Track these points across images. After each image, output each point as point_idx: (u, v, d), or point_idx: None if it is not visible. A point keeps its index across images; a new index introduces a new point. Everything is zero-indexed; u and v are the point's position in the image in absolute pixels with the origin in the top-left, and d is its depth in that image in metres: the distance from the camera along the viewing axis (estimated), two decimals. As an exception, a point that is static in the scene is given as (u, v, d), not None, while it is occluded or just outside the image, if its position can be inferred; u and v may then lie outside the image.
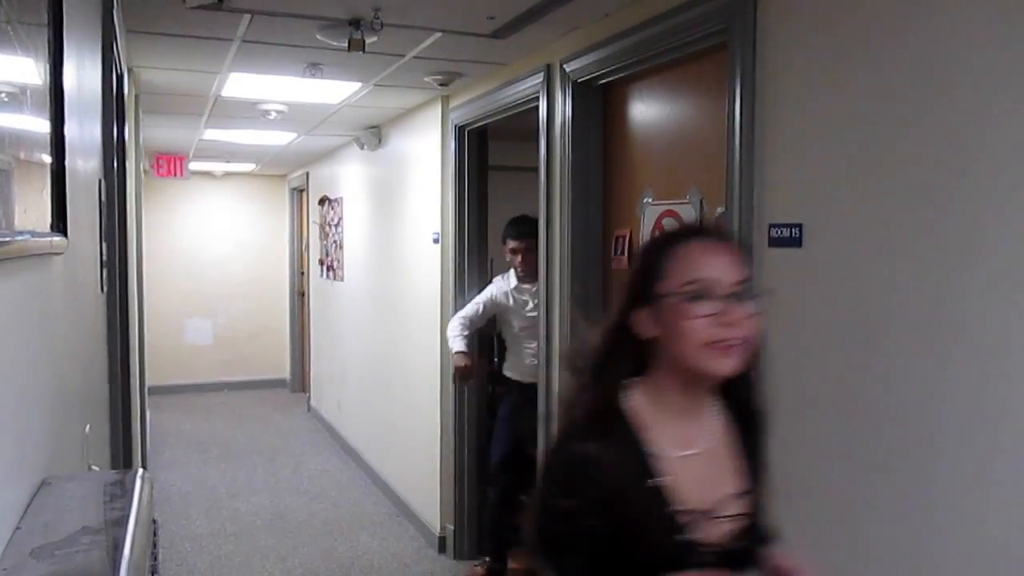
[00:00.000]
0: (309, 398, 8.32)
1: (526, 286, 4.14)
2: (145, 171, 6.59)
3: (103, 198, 2.34)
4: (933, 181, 1.75)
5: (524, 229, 4.08)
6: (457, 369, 4.19)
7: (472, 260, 4.43)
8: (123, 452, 3.00)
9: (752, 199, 2.25)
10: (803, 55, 2.11)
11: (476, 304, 4.28)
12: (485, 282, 4.57)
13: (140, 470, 1.31)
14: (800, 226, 2.09)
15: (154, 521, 1.24)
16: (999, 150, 1.61)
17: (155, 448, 6.50)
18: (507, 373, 4.33)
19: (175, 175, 7.49)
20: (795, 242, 2.10)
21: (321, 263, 7.75)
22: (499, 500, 4.20)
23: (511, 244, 4.19)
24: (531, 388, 3.84)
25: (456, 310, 4.41)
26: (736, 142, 2.29)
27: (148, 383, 5.44)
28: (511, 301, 4.20)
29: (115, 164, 2.75)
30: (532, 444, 3.75)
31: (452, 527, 4.56)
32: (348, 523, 5.09)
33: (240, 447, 7.04)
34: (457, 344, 4.19)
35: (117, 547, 1.00)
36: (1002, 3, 1.61)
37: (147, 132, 5.63)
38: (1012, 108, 1.59)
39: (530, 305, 4.10)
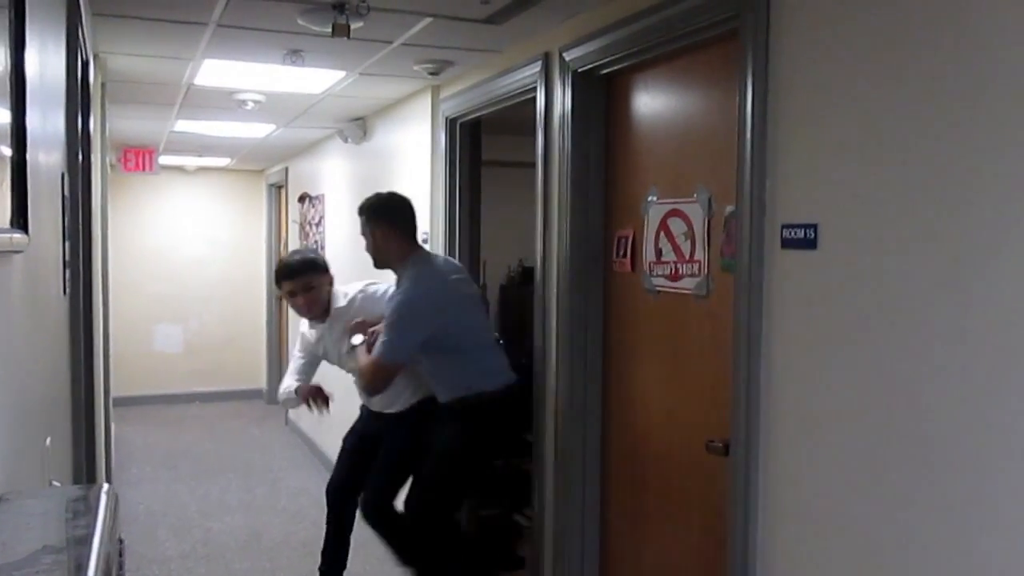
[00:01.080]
0: (287, 411, 8.31)
1: (323, 325, 3.94)
2: (111, 165, 6.58)
3: (66, 193, 2.34)
4: (959, 180, 1.75)
5: (284, 272, 3.91)
6: (308, 399, 3.90)
7: (463, 262, 4.42)
8: (86, 467, 2.99)
9: (764, 198, 2.26)
10: (819, 44, 2.12)
11: (297, 358, 4.11)
12: (476, 286, 4.58)
13: (105, 485, 1.31)
14: (815, 227, 2.10)
15: (120, 540, 1.24)
16: (1028, 146, 1.62)
17: (120, 463, 6.49)
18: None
19: (144, 170, 7.48)
20: (810, 244, 2.11)
21: (301, 265, 7.73)
22: (328, 530, 4.13)
23: (284, 290, 3.94)
24: (393, 417, 3.84)
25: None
26: (747, 137, 2.30)
27: (113, 393, 5.42)
28: (321, 342, 3.98)
29: (79, 157, 2.75)
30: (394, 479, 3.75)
31: (441, 549, 4.55)
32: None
33: (213, 463, 7.02)
34: (289, 384, 3.97)
35: (80, 567, 1.00)
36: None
37: (114, 123, 5.62)
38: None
39: (334, 340, 3.91)
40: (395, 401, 3.87)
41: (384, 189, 5.46)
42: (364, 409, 4.10)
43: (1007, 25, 1.66)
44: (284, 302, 4.32)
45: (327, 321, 3.91)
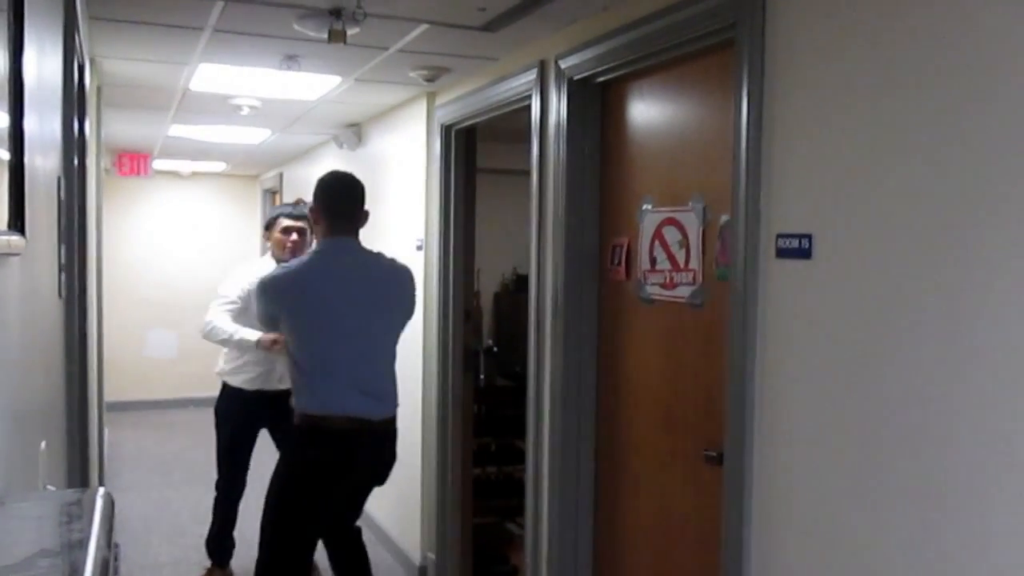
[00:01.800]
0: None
1: None
2: (106, 170, 6.58)
3: (62, 197, 2.34)
4: (955, 190, 1.77)
5: (294, 211, 4.45)
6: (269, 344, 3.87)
7: (457, 269, 4.43)
8: (80, 473, 2.98)
9: (759, 207, 2.27)
10: (815, 56, 2.13)
11: (229, 304, 4.29)
12: (471, 293, 4.59)
13: (101, 489, 1.31)
14: (810, 237, 2.11)
15: (116, 544, 1.24)
16: None
17: (113, 469, 6.46)
18: (238, 383, 4.44)
19: (138, 174, 7.49)
20: (804, 253, 2.12)
21: (295, 271, 7.72)
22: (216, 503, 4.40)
23: (290, 223, 4.38)
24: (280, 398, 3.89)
25: (441, 323, 4.41)
26: (742, 146, 2.32)
27: (106, 398, 5.42)
28: None
29: (75, 161, 2.75)
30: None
31: (434, 556, 4.55)
32: (322, 552, 5.06)
33: (206, 469, 6.94)
34: (247, 332, 4.09)
35: (76, 571, 1.00)
36: (1025, 2, 1.64)
37: (109, 127, 5.63)
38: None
39: None
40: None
41: (379, 195, 5.49)
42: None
43: (1002, 39, 1.68)
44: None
45: None
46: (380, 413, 3.16)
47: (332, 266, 3.18)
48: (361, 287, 3.18)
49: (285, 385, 3.91)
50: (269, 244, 4.53)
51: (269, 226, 4.53)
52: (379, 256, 3.34)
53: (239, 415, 4.52)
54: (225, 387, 4.55)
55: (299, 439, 3.17)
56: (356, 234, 3.27)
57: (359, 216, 3.28)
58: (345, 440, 3.08)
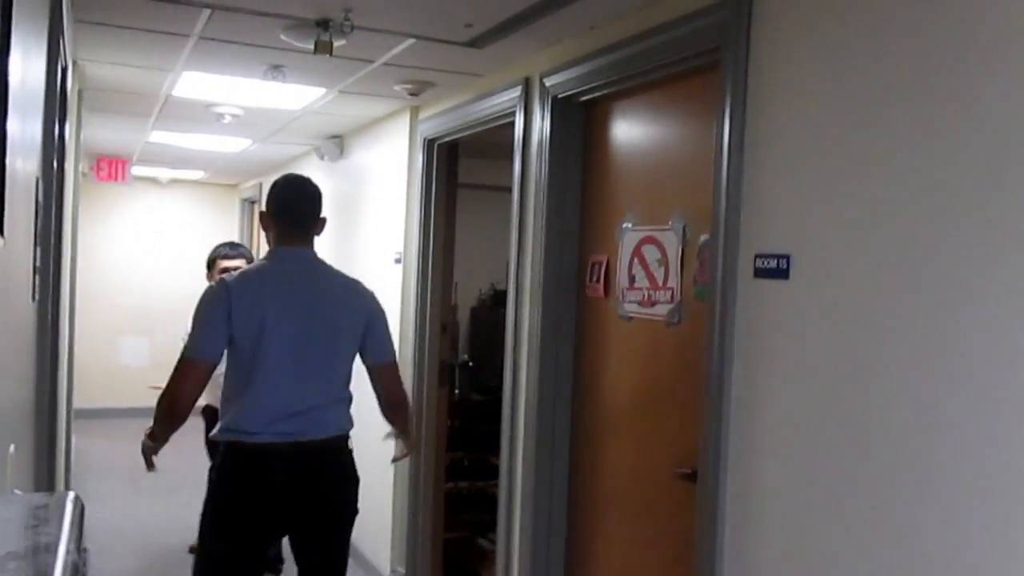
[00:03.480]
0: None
1: None
2: (84, 174, 6.52)
3: (40, 199, 2.32)
4: (929, 214, 1.79)
5: (242, 249, 4.60)
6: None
7: (436, 283, 4.43)
8: (47, 479, 2.94)
9: (738, 227, 2.29)
10: (797, 80, 2.16)
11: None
12: (448, 307, 4.58)
13: (71, 493, 1.29)
14: (788, 257, 2.13)
15: (85, 549, 1.22)
16: (1000, 179, 1.66)
17: (80, 476, 6.37)
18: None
19: (116, 179, 7.43)
20: (782, 274, 2.14)
21: (272, 281, 7.69)
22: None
23: (227, 264, 4.39)
24: None
25: (418, 336, 4.40)
26: (723, 167, 2.34)
27: (75, 405, 5.35)
28: None
29: (54, 164, 2.73)
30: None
31: (404, 570, 4.52)
32: (290, 563, 5.01)
33: (175, 479, 6.87)
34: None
35: (44, 575, 0.98)
36: (1006, 41, 1.67)
37: (89, 131, 5.58)
38: (1015, 138, 1.64)
39: None
40: None
41: (359, 208, 5.48)
42: None
43: (977, 67, 1.71)
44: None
45: None
46: (309, 435, 2.78)
47: (274, 277, 2.84)
48: (303, 303, 2.83)
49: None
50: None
51: (210, 266, 4.60)
52: (335, 275, 2.99)
53: None
54: (208, 409, 4.45)
55: (219, 461, 2.85)
56: (309, 243, 2.94)
57: (312, 224, 2.94)
58: (265, 462, 2.74)
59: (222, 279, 2.87)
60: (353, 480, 2.94)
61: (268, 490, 2.75)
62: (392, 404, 3.06)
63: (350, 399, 2.93)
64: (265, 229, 2.97)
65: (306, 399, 2.79)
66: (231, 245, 4.73)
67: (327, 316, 2.87)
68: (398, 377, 3.10)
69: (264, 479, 2.75)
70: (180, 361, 2.80)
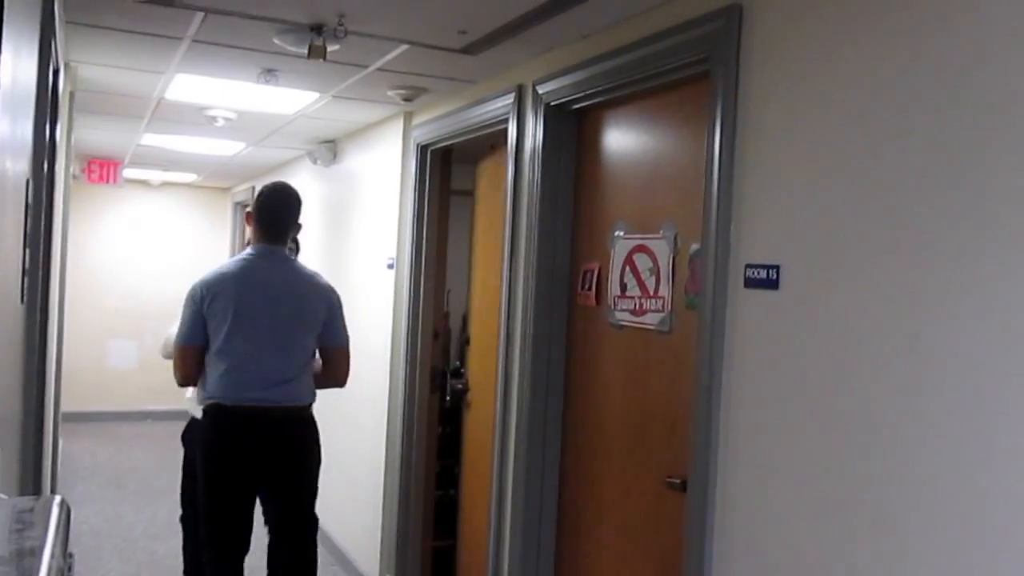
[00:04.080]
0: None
1: None
2: (75, 176, 6.51)
3: (30, 201, 2.32)
4: (920, 225, 1.80)
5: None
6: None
7: (428, 290, 4.43)
8: (32, 483, 2.93)
9: (728, 237, 2.30)
10: (787, 90, 2.17)
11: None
12: (441, 313, 4.58)
13: (57, 497, 1.29)
14: (778, 267, 2.14)
15: (71, 554, 1.22)
16: (990, 190, 1.67)
17: (66, 480, 6.35)
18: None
19: (108, 182, 7.42)
20: (772, 284, 2.15)
21: (263, 285, 7.68)
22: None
23: None
24: None
25: (409, 342, 4.39)
26: (714, 177, 2.35)
27: (63, 408, 5.33)
28: None
29: (44, 166, 2.72)
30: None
31: (392, 579, 4.51)
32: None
33: (161, 483, 6.89)
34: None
35: (28, 579, 0.98)
36: (990, 53, 1.68)
37: (80, 133, 5.58)
38: (1007, 149, 1.65)
39: None
40: None
41: (352, 212, 5.48)
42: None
43: (968, 82, 1.72)
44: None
45: None
46: (279, 401, 3.38)
47: (250, 270, 3.45)
48: (273, 294, 3.41)
49: None
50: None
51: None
52: (302, 271, 3.59)
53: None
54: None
55: (202, 425, 3.48)
56: (283, 243, 3.55)
57: (287, 228, 3.56)
58: (242, 423, 3.35)
59: (201, 279, 3.44)
60: (313, 438, 3.56)
61: (246, 444, 3.36)
62: (329, 375, 3.62)
63: (310, 375, 3.51)
64: (247, 224, 3.59)
65: (276, 372, 3.37)
66: None
67: (293, 303, 3.45)
68: (347, 360, 3.64)
69: (242, 435, 3.36)
70: (176, 348, 3.48)
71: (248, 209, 3.66)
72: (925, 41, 1.82)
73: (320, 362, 3.60)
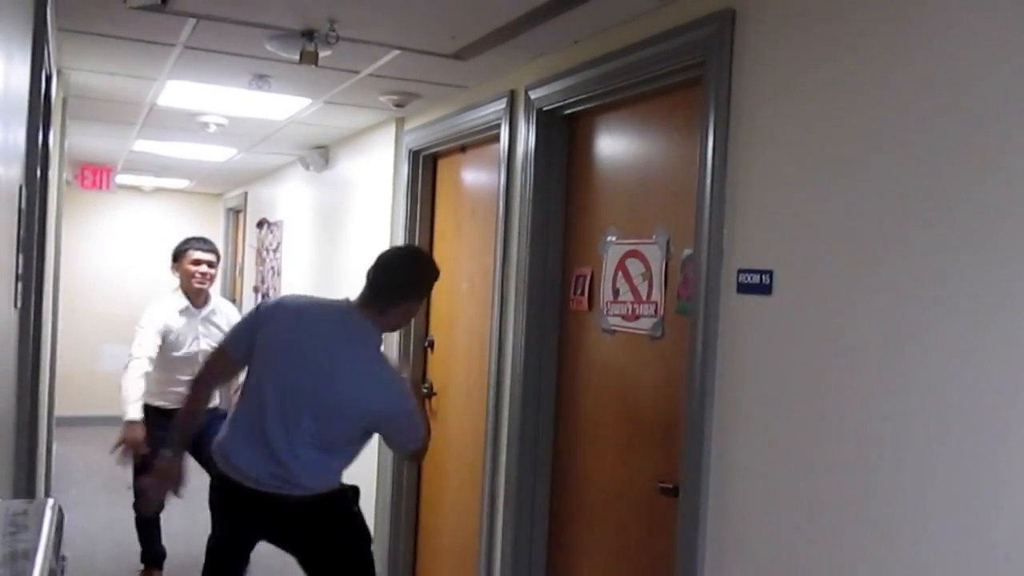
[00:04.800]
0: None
1: (194, 313, 4.58)
2: (67, 182, 6.49)
3: (23, 206, 2.31)
4: (913, 231, 1.81)
5: (204, 243, 4.73)
6: (129, 444, 4.10)
7: (421, 294, 4.42)
8: (26, 486, 2.92)
9: (721, 242, 2.31)
10: (780, 96, 2.18)
11: (151, 337, 4.49)
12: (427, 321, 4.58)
13: (50, 500, 1.29)
14: (771, 273, 2.14)
15: (64, 557, 1.22)
16: (983, 195, 1.68)
17: (60, 484, 6.32)
18: (157, 402, 4.49)
19: (100, 188, 7.41)
20: (765, 289, 2.15)
21: (256, 290, 7.67)
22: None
23: (200, 256, 4.61)
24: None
25: (401, 348, 4.39)
26: (706, 182, 2.35)
27: (57, 412, 5.30)
28: (186, 327, 4.54)
29: (37, 172, 2.72)
30: None
31: (385, 583, 4.50)
32: (268, 572, 4.98)
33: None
34: (135, 411, 4.20)
35: (22, 582, 0.98)
36: (984, 61, 1.69)
37: (73, 139, 5.56)
38: (994, 156, 1.66)
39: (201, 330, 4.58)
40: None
41: (344, 218, 5.48)
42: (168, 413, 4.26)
43: (961, 84, 1.73)
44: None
45: (205, 310, 4.62)
46: (270, 487, 2.70)
47: (321, 319, 2.79)
48: (322, 351, 2.71)
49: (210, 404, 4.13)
50: (177, 275, 4.70)
51: (177, 257, 4.70)
52: (373, 354, 2.80)
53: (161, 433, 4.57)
54: (147, 408, 4.50)
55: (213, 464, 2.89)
56: (375, 312, 2.77)
57: (386, 300, 2.78)
58: (229, 490, 2.80)
59: (289, 298, 2.97)
60: (338, 522, 2.81)
61: (235, 514, 2.89)
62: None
63: (337, 460, 2.78)
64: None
65: (286, 449, 2.67)
66: (204, 240, 4.78)
67: (338, 384, 2.68)
68: (419, 455, 3.09)
69: (231, 504, 2.86)
70: (216, 346, 3.09)
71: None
72: (918, 48, 1.83)
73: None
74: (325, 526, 2.78)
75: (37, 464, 3.58)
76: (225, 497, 2.85)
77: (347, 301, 2.83)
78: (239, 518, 2.88)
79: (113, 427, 9.00)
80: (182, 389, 4.42)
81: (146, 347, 4.40)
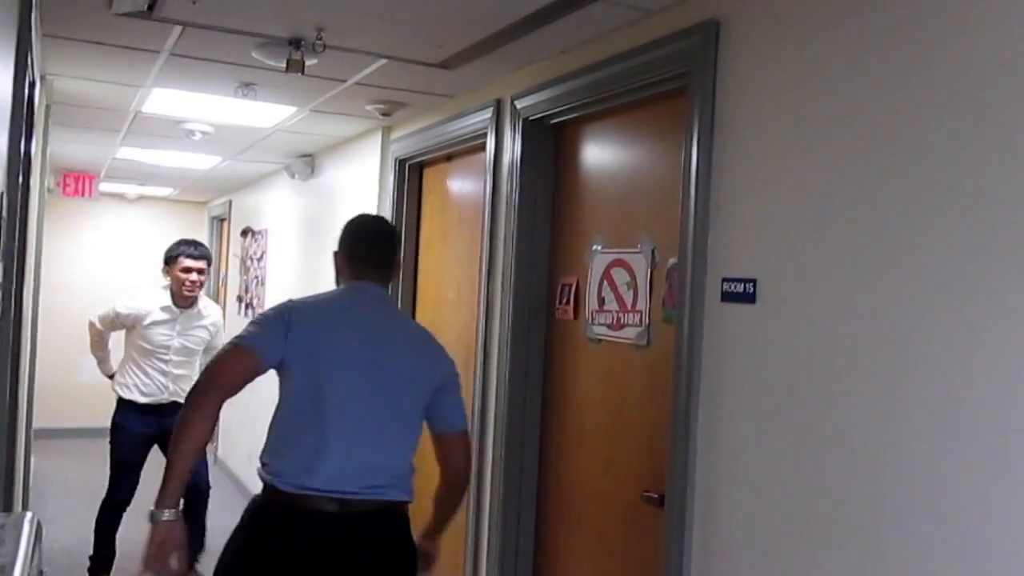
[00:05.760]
0: (216, 447, 8.12)
1: (178, 313, 4.71)
2: (49, 189, 6.45)
3: (4, 214, 2.29)
4: (895, 238, 1.82)
5: (198, 248, 4.82)
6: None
7: (405, 304, 4.42)
8: (4, 500, 2.89)
9: (706, 251, 2.32)
10: (764, 106, 2.19)
11: (112, 315, 4.87)
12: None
13: (28, 513, 1.27)
14: (754, 281, 2.15)
15: (42, 571, 1.21)
16: (966, 204, 1.70)
17: (39, 497, 6.26)
18: (129, 396, 4.73)
19: (83, 195, 7.35)
20: (749, 298, 2.16)
21: (239, 300, 7.64)
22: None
23: (191, 263, 4.69)
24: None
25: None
26: (691, 191, 2.36)
27: (35, 424, 5.26)
28: (163, 321, 4.70)
29: (19, 179, 2.70)
30: None
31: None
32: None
33: (136, 501, 6.79)
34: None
35: (-1, 596, 0.97)
36: (972, 71, 1.71)
37: (56, 146, 5.53)
38: (977, 168, 1.68)
39: (185, 330, 4.74)
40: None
41: (329, 227, 5.45)
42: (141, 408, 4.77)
43: (945, 97, 1.75)
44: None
45: (189, 312, 4.73)
46: (369, 496, 2.35)
47: (347, 309, 2.52)
48: (380, 344, 2.47)
49: (178, 398, 4.41)
50: (168, 279, 4.78)
51: (169, 262, 4.76)
52: (409, 319, 2.84)
53: (134, 427, 4.76)
54: (120, 400, 4.76)
55: (252, 506, 2.42)
56: (385, 285, 2.63)
57: (390, 265, 2.64)
58: (305, 521, 2.30)
59: (296, 300, 2.54)
60: (411, 556, 2.47)
61: (301, 557, 2.29)
62: (457, 485, 2.62)
63: (408, 462, 2.49)
64: (338, 272, 2.64)
65: (375, 454, 2.37)
66: (195, 244, 4.83)
67: (409, 357, 2.49)
68: (469, 449, 2.67)
69: (300, 542, 2.29)
70: (230, 346, 2.36)
71: (334, 250, 2.69)
72: (903, 58, 1.84)
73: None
74: (407, 544, 2.47)
75: (15, 476, 3.54)
76: (292, 525, 2.31)
77: (351, 284, 2.58)
78: (320, 547, 2.30)
79: (92, 439, 8.94)
80: (164, 382, 4.68)
81: (103, 318, 4.83)
